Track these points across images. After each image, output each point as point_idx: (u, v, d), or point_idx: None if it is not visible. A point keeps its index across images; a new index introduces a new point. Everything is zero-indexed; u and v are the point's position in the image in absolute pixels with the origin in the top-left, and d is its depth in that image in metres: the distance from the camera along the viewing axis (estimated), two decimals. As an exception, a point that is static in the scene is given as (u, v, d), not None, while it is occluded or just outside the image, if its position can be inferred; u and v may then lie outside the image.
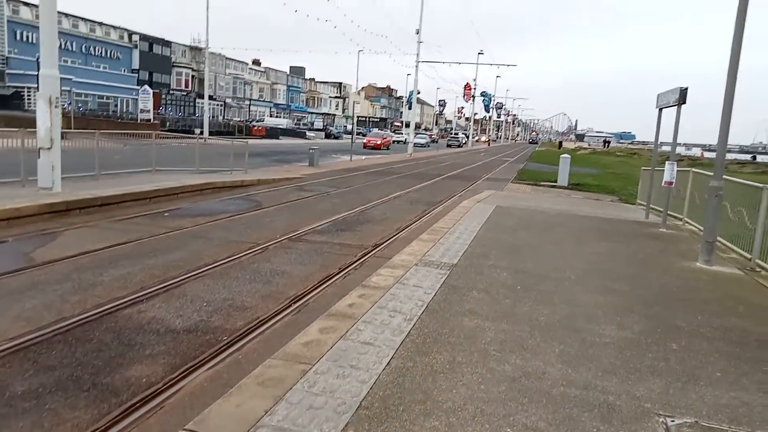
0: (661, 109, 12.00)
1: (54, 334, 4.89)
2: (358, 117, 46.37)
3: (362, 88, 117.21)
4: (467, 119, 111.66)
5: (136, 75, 59.85)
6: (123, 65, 59.86)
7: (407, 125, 56.40)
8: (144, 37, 62.87)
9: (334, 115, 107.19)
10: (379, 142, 50.39)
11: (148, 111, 50.42)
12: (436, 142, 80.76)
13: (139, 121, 47.73)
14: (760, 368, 4.56)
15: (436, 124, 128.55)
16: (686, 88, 10.42)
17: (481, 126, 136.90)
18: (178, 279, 6.69)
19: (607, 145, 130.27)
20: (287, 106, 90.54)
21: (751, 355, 4.84)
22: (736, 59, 8.11)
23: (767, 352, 4.94)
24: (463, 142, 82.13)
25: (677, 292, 6.80)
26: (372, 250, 8.93)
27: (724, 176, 8.87)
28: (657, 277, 7.47)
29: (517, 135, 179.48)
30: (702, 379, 4.27)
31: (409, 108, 63.98)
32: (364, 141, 50.36)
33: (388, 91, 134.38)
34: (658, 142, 13.46)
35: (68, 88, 43.65)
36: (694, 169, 12.66)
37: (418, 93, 55.62)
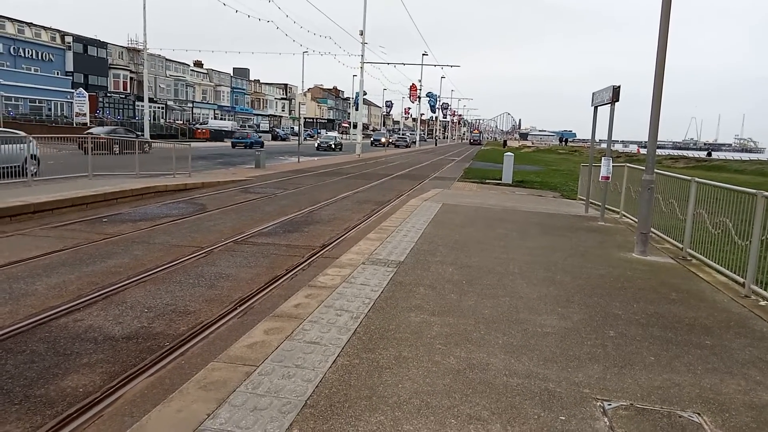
0: (596, 107, 12.41)
1: (-18, 347, 4.65)
2: (305, 118, 44.78)
3: (308, 89, 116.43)
4: (414, 120, 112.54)
5: (71, 77, 57.32)
6: (56, 67, 57.27)
7: (355, 126, 56.01)
8: (78, 39, 60.25)
9: (281, 116, 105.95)
10: None
11: (84, 114, 48.66)
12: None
13: (75, 124, 45.92)
14: (689, 351, 4.80)
15: (384, 125, 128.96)
16: (618, 87, 10.81)
17: (428, 126, 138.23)
18: (117, 285, 6.48)
19: (565, 142, 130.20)
20: (232, 108, 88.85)
21: (682, 339, 5.07)
22: (662, 60, 8.50)
23: (697, 336, 5.20)
24: (411, 142, 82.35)
25: (615, 281, 7.06)
26: (320, 251, 8.89)
27: (657, 170, 9.28)
28: (596, 269, 7.73)
29: (464, 134, 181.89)
30: (637, 364, 4.45)
31: (356, 109, 64.01)
32: None
33: (335, 93, 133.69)
34: (597, 139, 13.93)
35: (-4, 91, 41.50)
36: (629, 165, 13.17)
37: (365, 94, 55.68)
